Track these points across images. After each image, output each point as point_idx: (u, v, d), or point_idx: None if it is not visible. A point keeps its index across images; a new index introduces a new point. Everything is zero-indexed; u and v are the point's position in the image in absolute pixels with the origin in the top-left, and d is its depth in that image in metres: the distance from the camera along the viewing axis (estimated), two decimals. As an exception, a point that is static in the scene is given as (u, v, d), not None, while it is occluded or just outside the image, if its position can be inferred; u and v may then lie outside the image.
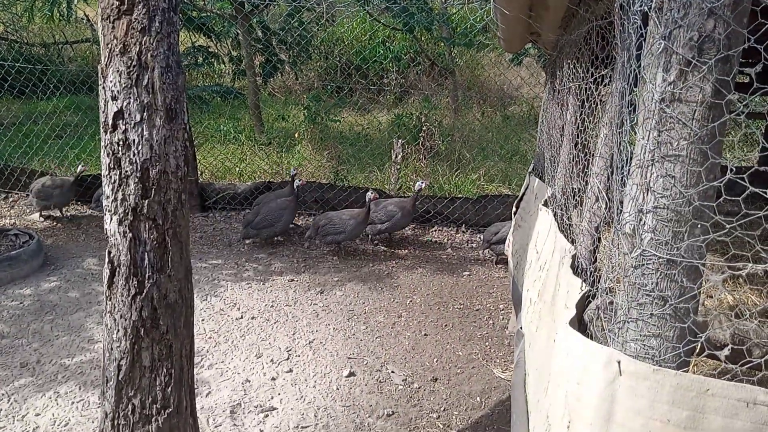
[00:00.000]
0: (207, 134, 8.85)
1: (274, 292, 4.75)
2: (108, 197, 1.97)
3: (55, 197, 5.94)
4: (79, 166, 6.07)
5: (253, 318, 4.29)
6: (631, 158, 1.30)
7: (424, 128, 7.82)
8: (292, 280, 5.00)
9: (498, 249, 5.32)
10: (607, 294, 1.45)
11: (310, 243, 5.80)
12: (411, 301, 4.70)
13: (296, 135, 8.51)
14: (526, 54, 9.00)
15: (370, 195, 5.41)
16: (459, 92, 10.59)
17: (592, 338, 1.45)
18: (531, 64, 10.09)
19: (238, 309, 4.42)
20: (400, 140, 6.81)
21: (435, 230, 6.32)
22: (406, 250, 5.79)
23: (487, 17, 7.80)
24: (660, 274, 1.21)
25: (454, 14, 10.28)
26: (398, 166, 6.85)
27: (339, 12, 10.93)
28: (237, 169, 7.47)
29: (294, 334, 4.10)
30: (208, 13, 9.03)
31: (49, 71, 9.16)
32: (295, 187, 5.73)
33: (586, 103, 2.25)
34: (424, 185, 5.69)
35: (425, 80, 11.69)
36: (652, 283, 1.22)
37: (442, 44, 10.46)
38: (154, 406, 2.08)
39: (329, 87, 10.39)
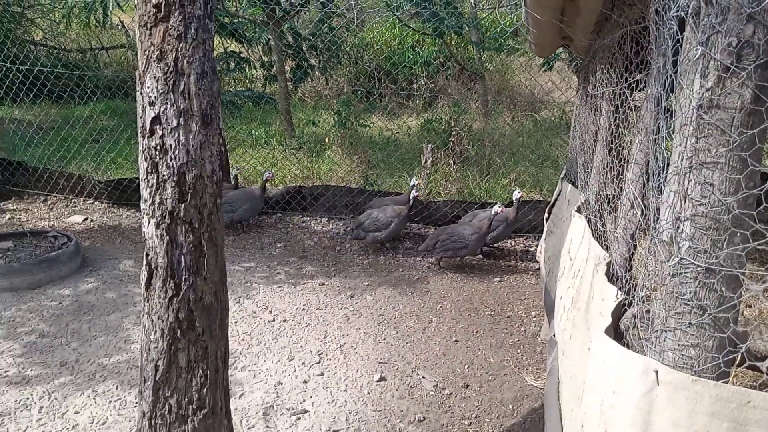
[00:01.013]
0: (239, 139, 8.97)
1: (306, 295, 4.80)
2: (146, 201, 2.02)
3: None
4: (266, 174, 6.26)
5: (284, 321, 4.34)
6: (667, 165, 1.28)
7: (453, 133, 7.80)
8: (323, 283, 5.04)
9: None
10: (643, 302, 1.43)
11: (425, 255, 5.72)
12: (441, 306, 4.69)
13: (326, 140, 8.57)
14: (557, 58, 8.92)
15: (497, 209, 5.22)
16: (489, 97, 10.53)
17: (628, 347, 1.43)
18: (562, 68, 10.00)
19: (270, 312, 4.47)
20: (429, 145, 6.80)
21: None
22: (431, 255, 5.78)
23: (517, 21, 7.76)
24: (698, 283, 1.20)
25: (483, 18, 10.24)
26: (428, 171, 6.84)
27: (369, 18, 10.98)
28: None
29: (325, 337, 4.13)
30: (241, 19, 9.17)
31: (87, 77, 9.40)
32: (411, 197, 5.71)
33: (620, 109, 2.22)
34: (520, 195, 5.55)
35: (455, 85, 11.66)
36: (690, 292, 1.21)
37: (472, 48, 10.43)
38: (190, 406, 2.12)
39: (359, 92, 10.44)
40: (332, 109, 9.05)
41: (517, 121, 10.38)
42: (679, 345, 1.24)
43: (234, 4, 9.06)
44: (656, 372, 1.22)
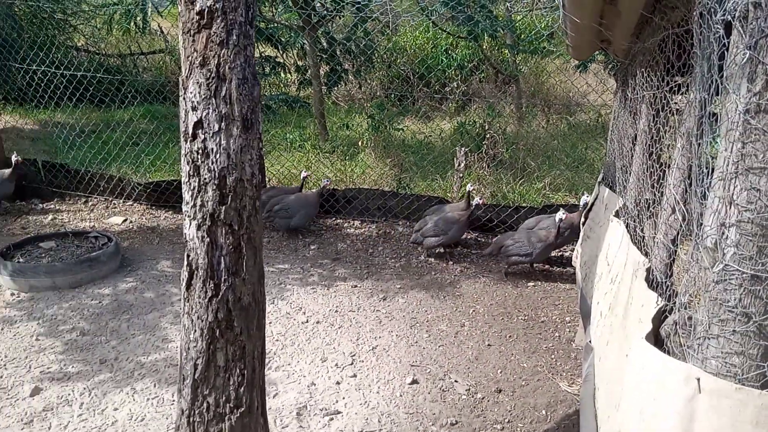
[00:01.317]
0: (274, 142, 9.08)
1: (338, 297, 4.83)
2: (187, 203, 2.06)
3: None
4: (324, 180, 6.35)
5: (318, 322, 4.38)
6: (712, 170, 1.27)
7: (487, 136, 7.76)
8: (356, 286, 5.07)
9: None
10: (685, 309, 1.41)
11: (489, 259, 5.73)
12: (474, 310, 4.67)
13: (360, 143, 8.62)
14: (592, 60, 8.80)
15: (561, 215, 5.07)
16: (523, 100, 10.45)
17: (668, 354, 1.41)
18: (598, 71, 9.86)
19: (304, 313, 4.51)
20: (463, 148, 6.79)
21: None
22: (469, 259, 5.76)
23: (554, 24, 7.69)
24: (743, 290, 1.18)
25: (518, 21, 10.17)
26: (461, 174, 6.82)
27: (403, 22, 11.01)
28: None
29: (358, 339, 4.16)
30: (276, 24, 9.29)
31: (128, 81, 9.64)
32: (473, 204, 5.69)
33: (660, 113, 2.19)
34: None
35: (488, 88, 11.60)
36: (734, 299, 1.19)
37: (506, 51, 10.37)
38: (228, 405, 2.16)
39: (393, 95, 10.47)
40: (366, 113, 9.10)
41: (552, 124, 10.28)
42: (722, 353, 1.22)
43: (270, 9, 9.18)
44: (698, 379, 1.20)
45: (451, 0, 7.33)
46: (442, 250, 5.88)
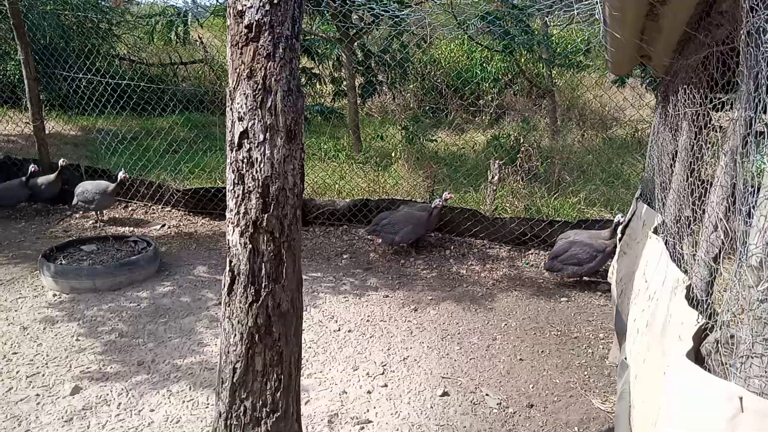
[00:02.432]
0: (309, 152, 9.20)
1: (370, 306, 4.86)
2: (231, 210, 2.12)
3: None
4: (444, 194, 6.21)
5: (349, 331, 4.41)
6: (757, 189, 1.26)
7: (522, 149, 7.74)
8: (387, 296, 5.09)
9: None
10: (727, 327, 1.40)
11: (527, 272, 5.78)
12: (506, 324, 4.65)
13: (393, 154, 8.67)
14: (630, 75, 8.72)
15: (620, 217, 4.95)
16: (558, 113, 10.40)
17: (709, 372, 1.40)
18: (635, 85, 9.76)
19: (336, 321, 4.55)
20: (497, 161, 6.78)
21: (531, 253, 6.22)
22: (501, 272, 5.74)
23: (592, 38, 7.65)
24: (789, 310, 1.17)
25: (554, 35, 10.14)
26: (494, 187, 6.81)
27: (440, 35, 11.07)
28: (336, 186, 7.71)
29: (389, 349, 4.17)
30: (314, 37, 9.43)
31: (168, 90, 9.88)
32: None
33: (703, 130, 2.18)
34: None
35: (523, 101, 11.57)
36: (779, 319, 1.18)
37: (541, 65, 10.34)
38: (264, 409, 2.21)
39: (427, 107, 10.52)
40: (399, 124, 9.15)
41: (588, 139, 10.19)
42: (766, 372, 1.21)
43: (309, 22, 9.34)
44: (741, 398, 1.19)
45: (489, 15, 7.35)
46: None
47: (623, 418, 2.37)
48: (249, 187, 2.07)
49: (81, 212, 6.90)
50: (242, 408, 2.21)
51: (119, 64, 11.65)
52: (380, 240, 6.08)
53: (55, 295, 4.82)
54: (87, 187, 6.49)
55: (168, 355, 3.98)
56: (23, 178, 6.70)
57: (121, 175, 6.54)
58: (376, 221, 6.08)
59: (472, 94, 11.56)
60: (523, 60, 10.60)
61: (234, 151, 2.08)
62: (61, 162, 6.74)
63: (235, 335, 2.16)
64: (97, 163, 7.97)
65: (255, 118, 2.04)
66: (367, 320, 4.61)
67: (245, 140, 2.06)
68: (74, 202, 6.54)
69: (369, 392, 3.62)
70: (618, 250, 4.33)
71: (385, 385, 3.70)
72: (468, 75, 10.62)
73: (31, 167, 6.74)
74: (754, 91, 1.33)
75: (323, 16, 8.71)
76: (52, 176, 6.75)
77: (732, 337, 1.37)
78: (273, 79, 2.04)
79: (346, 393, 3.60)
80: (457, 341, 4.33)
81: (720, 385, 1.25)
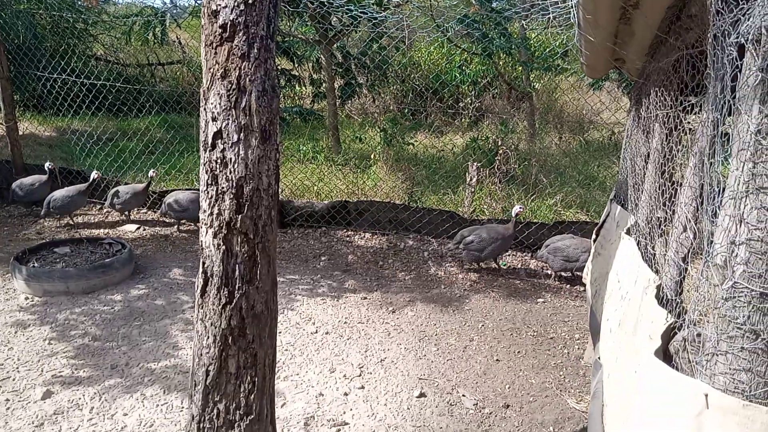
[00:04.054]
0: (287, 154, 9.16)
1: (348, 308, 4.85)
2: (204, 211, 2.10)
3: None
4: (516, 207, 5.78)
5: (327, 333, 4.40)
6: (723, 189, 1.28)
7: (500, 152, 7.79)
8: (365, 298, 5.09)
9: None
10: (694, 326, 1.43)
11: (497, 274, 5.84)
12: (483, 325, 4.67)
13: (372, 156, 8.67)
14: (606, 78, 8.84)
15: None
16: (536, 116, 10.49)
17: (677, 370, 1.42)
18: (612, 89, 9.89)
19: (313, 323, 4.54)
20: (475, 163, 6.82)
21: (508, 255, 6.26)
22: (478, 274, 5.77)
23: (568, 42, 7.73)
24: (752, 308, 1.19)
25: (533, 39, 10.23)
26: (472, 189, 6.84)
27: (419, 37, 11.10)
28: (315, 188, 7.69)
29: (366, 351, 4.17)
30: (293, 38, 9.40)
31: (145, 91, 9.77)
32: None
33: (674, 132, 2.21)
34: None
35: (501, 104, 11.65)
36: (743, 317, 1.20)
37: (520, 68, 10.42)
38: (238, 411, 2.18)
39: (406, 110, 10.54)
40: (378, 127, 9.16)
41: (565, 141, 10.29)
42: (730, 369, 1.23)
43: (287, 23, 9.31)
44: (707, 396, 1.21)
45: (467, 17, 7.39)
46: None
47: (596, 417, 2.39)
48: (223, 187, 2.05)
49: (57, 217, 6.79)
50: (215, 411, 2.18)
51: (95, 65, 11.48)
52: (463, 258, 5.82)
53: (27, 299, 4.73)
54: (56, 196, 6.42)
55: (142, 359, 3.93)
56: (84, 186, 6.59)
57: (94, 174, 6.45)
58: (458, 239, 5.80)
59: (451, 96, 11.61)
60: (501, 63, 10.67)
61: (208, 152, 2.06)
62: (47, 165, 6.70)
63: (208, 337, 2.13)
64: (72, 164, 7.85)
65: (229, 119, 2.02)
66: (345, 322, 4.60)
67: (219, 140, 2.03)
68: (43, 212, 6.44)
69: (346, 394, 3.61)
70: (593, 251, 4.37)
71: (362, 387, 3.70)
72: (447, 78, 10.66)
73: (94, 173, 6.67)
74: (720, 93, 1.35)
75: (302, 18, 8.68)
76: (44, 177, 6.70)
77: (699, 335, 1.39)
78: (247, 79, 2.02)
79: (323, 395, 3.58)
80: (434, 342, 4.34)
81: (687, 382, 1.27)
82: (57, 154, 8.79)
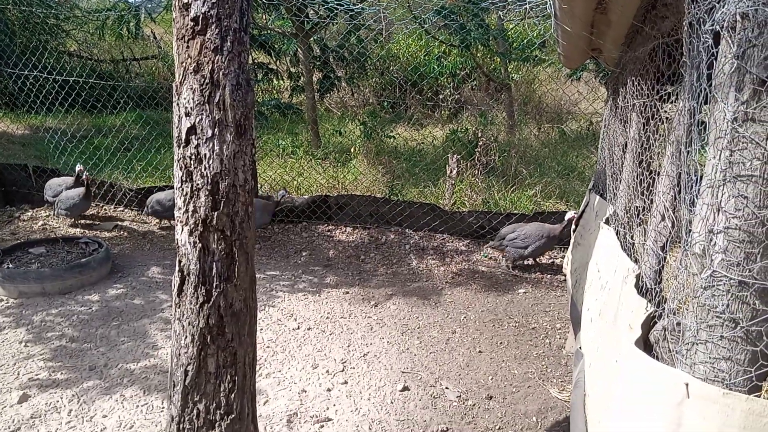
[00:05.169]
0: (266, 148, 9.08)
1: (329, 304, 4.82)
2: (179, 209, 2.06)
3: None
4: (570, 213, 5.46)
5: (309, 329, 4.37)
6: (700, 178, 1.28)
7: (479, 143, 7.80)
8: (347, 292, 5.06)
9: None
10: (674, 315, 1.43)
11: (479, 265, 5.86)
12: (465, 317, 4.68)
13: (352, 150, 8.64)
14: (584, 69, 8.88)
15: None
16: (515, 107, 10.52)
17: (657, 359, 1.42)
18: (589, 79, 9.94)
19: (295, 320, 4.50)
20: (455, 155, 6.82)
21: (490, 246, 6.28)
22: (460, 266, 5.77)
23: (546, 33, 7.75)
24: (731, 296, 1.19)
25: (510, 29, 10.24)
26: (453, 181, 6.85)
27: (397, 29, 11.06)
28: (295, 182, 7.63)
29: (349, 346, 4.15)
30: (270, 31, 9.30)
31: (120, 87, 9.61)
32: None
33: (651, 121, 2.21)
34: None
35: (480, 95, 11.67)
36: (722, 305, 1.20)
37: (498, 59, 10.44)
38: (218, 411, 2.15)
39: (385, 103, 10.50)
40: (358, 120, 9.12)
41: (544, 132, 10.34)
42: (710, 358, 1.23)
43: (263, 16, 9.21)
44: (687, 385, 1.21)
45: (444, 9, 7.37)
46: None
47: (578, 406, 2.40)
48: (198, 184, 2.01)
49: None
50: (195, 411, 2.15)
51: (69, 61, 11.26)
52: (505, 255, 5.77)
53: (1, 300, 4.63)
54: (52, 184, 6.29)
55: (121, 359, 3.87)
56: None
57: (78, 168, 6.32)
58: (501, 235, 5.74)
59: (430, 88, 11.60)
60: (479, 55, 10.67)
61: (181, 148, 2.02)
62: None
63: (187, 337, 2.10)
64: (46, 163, 7.71)
65: (203, 114, 1.98)
66: (327, 317, 4.58)
67: (193, 136, 1.99)
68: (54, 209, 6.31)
69: (329, 390, 3.59)
70: (572, 241, 4.40)
71: (345, 382, 3.68)
72: (425, 70, 10.64)
73: (78, 167, 6.44)
74: (696, 81, 1.35)
75: (278, 10, 8.58)
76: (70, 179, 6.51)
77: (678, 324, 1.39)
78: (221, 73, 1.98)
79: (306, 392, 3.56)
80: (417, 335, 4.34)
81: (666, 372, 1.27)
82: (31, 153, 8.63)
